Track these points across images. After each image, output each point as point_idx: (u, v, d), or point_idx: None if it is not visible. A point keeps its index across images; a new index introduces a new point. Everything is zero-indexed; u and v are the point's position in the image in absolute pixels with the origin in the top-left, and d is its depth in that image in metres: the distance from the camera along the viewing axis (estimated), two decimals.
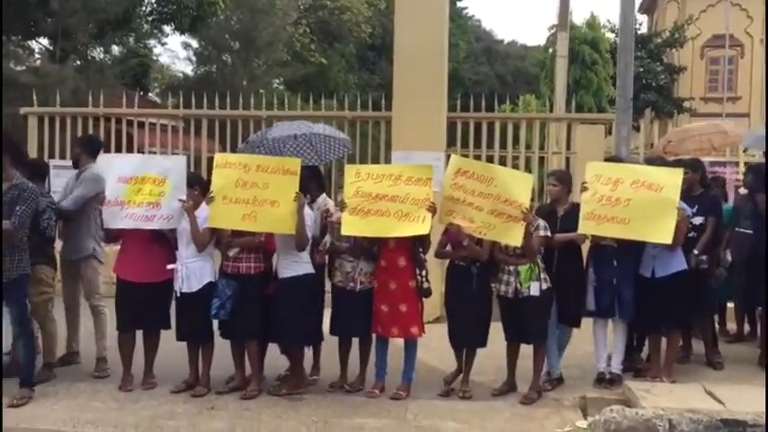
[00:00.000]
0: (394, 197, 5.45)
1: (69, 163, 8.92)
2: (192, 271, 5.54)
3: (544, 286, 5.48)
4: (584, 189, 5.57)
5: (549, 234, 5.57)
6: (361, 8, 27.87)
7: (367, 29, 28.47)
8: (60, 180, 7.87)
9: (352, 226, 5.49)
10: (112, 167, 5.71)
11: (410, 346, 5.66)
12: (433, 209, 5.45)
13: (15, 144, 5.66)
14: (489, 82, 37.30)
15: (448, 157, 8.26)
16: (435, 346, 6.59)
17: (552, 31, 25.69)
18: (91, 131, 9.34)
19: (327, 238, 5.73)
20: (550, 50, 25.14)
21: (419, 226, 5.43)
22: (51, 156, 9.27)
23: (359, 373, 5.74)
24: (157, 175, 5.57)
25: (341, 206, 5.60)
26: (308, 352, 5.83)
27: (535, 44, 38.80)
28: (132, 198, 5.53)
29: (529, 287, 5.43)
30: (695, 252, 6.00)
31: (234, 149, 8.89)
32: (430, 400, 5.50)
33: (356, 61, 31.68)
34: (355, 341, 5.80)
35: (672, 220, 5.36)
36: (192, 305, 5.54)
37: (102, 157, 6.20)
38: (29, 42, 19.31)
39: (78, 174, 6.16)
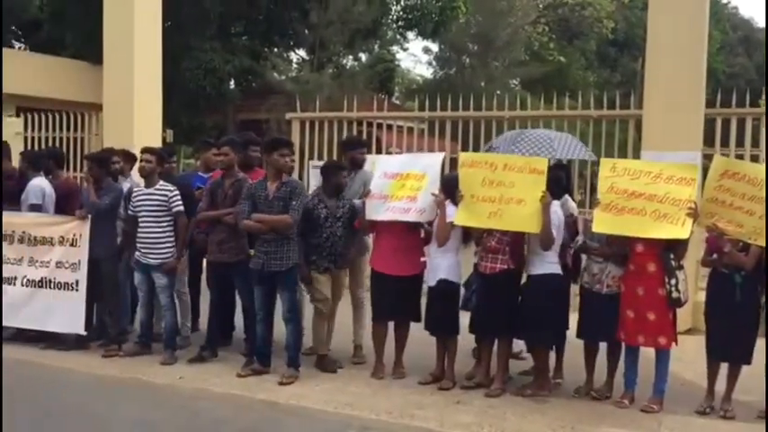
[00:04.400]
0: (652, 196, 5.18)
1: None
2: (438, 265, 5.73)
3: None
4: None
5: None
6: (603, 3, 26.87)
7: (609, 24, 27.39)
8: (316, 180, 8.52)
9: (604, 223, 5.31)
10: (379, 165, 6.09)
11: (661, 357, 5.35)
12: (694, 213, 5.11)
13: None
14: (747, 75, 34.04)
15: (704, 156, 7.74)
16: (689, 359, 6.18)
17: None
18: (345, 134, 9.99)
19: (580, 237, 5.60)
20: None
21: (677, 229, 5.11)
22: (311, 157, 10.09)
23: (606, 380, 5.56)
24: (419, 171, 5.84)
25: (593, 203, 5.45)
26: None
27: None
28: (395, 193, 5.83)
29: None
30: None
31: (476, 150, 9.03)
32: (686, 416, 5.16)
33: (596, 58, 30.61)
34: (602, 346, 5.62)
35: None
36: (439, 299, 5.74)
37: (372, 157, 6.55)
38: (288, 54, 21.30)
39: (355, 174, 6.42)
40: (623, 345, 5.46)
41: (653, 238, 5.20)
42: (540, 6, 27.23)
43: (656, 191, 5.18)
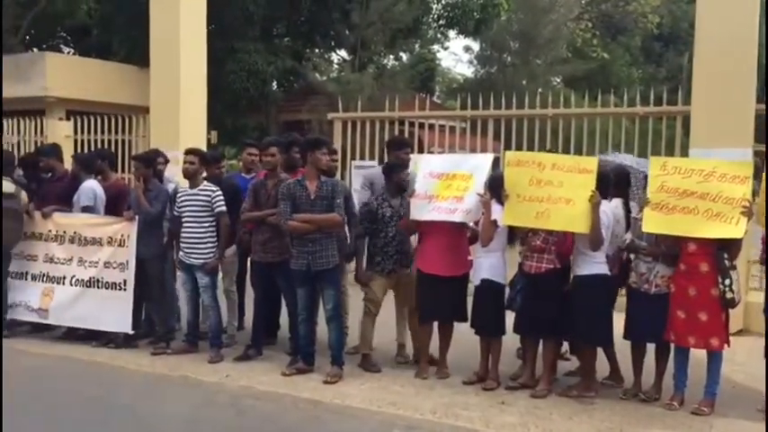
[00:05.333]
0: (704, 194, 5.06)
1: (369, 163, 9.74)
2: (481, 264, 5.70)
3: None
4: None
5: None
6: None
7: (654, 19, 26.85)
8: (359, 179, 8.53)
9: (653, 223, 5.20)
10: (422, 164, 6.07)
11: (713, 359, 5.22)
12: (749, 211, 4.97)
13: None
14: None
15: (756, 153, 7.53)
16: (741, 361, 6.06)
17: None
18: (387, 134, 10.00)
19: (628, 235, 5.50)
20: None
21: (731, 228, 4.99)
22: (353, 157, 10.12)
23: (654, 381, 5.45)
24: (466, 171, 5.81)
25: (642, 202, 5.35)
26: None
27: None
28: (441, 193, 5.80)
29: None
30: None
31: (519, 149, 8.94)
32: (737, 420, 5.03)
33: (640, 54, 30.06)
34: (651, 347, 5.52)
35: None
36: (483, 298, 5.71)
37: (415, 156, 6.55)
38: (330, 54, 21.43)
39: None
40: (672, 346, 5.36)
41: (706, 237, 5.09)
42: (583, 2, 26.86)
43: (709, 189, 5.06)
